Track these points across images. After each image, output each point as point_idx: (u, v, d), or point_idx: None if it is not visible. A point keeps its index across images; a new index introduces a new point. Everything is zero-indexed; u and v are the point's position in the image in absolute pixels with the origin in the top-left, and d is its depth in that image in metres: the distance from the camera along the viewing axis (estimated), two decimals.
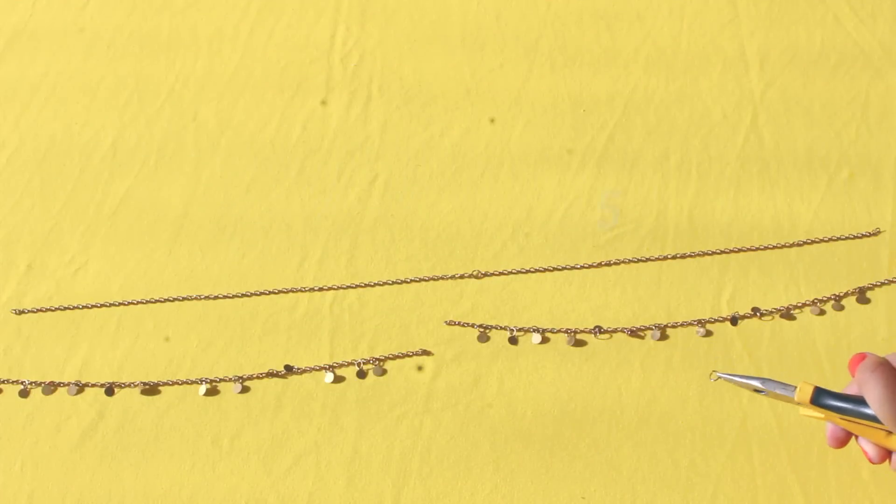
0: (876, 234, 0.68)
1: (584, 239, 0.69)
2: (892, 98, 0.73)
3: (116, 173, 0.75)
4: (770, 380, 0.53)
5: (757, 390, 0.53)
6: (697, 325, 0.65)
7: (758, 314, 0.65)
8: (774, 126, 0.73)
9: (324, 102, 0.77)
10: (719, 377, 0.54)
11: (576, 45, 0.78)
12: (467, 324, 0.66)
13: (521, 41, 0.79)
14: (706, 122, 0.74)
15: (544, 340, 0.66)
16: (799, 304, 0.65)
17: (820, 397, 0.51)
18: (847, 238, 0.68)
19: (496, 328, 0.66)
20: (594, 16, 0.80)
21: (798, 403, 0.52)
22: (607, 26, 0.79)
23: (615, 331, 0.65)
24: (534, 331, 0.66)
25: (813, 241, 0.68)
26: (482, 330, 0.66)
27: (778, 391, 0.52)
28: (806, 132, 0.72)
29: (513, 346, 0.65)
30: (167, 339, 0.67)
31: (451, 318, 0.67)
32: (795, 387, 0.52)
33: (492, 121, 0.75)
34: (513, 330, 0.66)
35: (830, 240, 0.68)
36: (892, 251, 0.67)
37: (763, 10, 0.79)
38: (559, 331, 0.66)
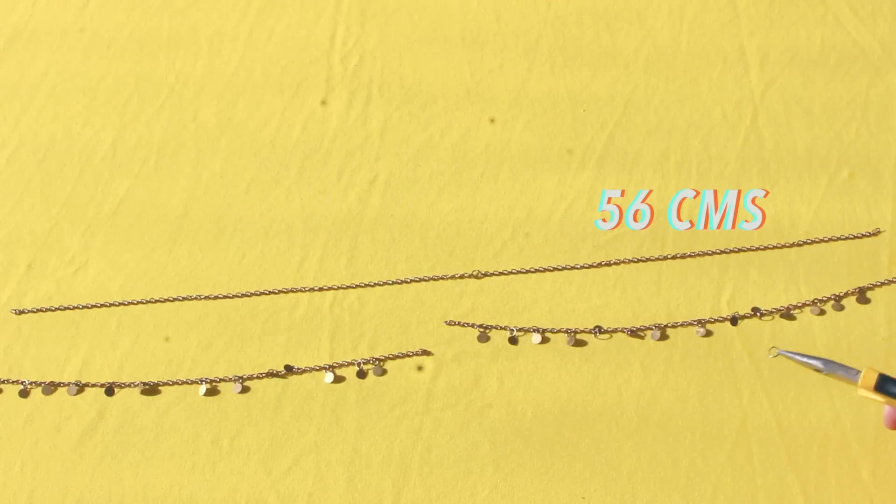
0: (876, 234, 0.68)
1: (583, 239, 0.69)
2: (892, 98, 0.73)
3: (116, 173, 0.75)
4: (833, 362, 0.53)
5: (817, 370, 0.53)
6: (697, 325, 0.65)
7: (758, 314, 0.65)
8: (774, 126, 0.73)
9: (324, 102, 0.77)
10: (779, 353, 0.54)
11: (576, 45, 0.78)
12: (467, 324, 0.66)
13: (521, 41, 0.79)
14: (706, 122, 0.74)
15: (544, 340, 0.66)
16: (799, 304, 0.65)
17: (885, 384, 0.51)
18: (847, 238, 0.68)
19: (496, 328, 0.66)
20: (594, 16, 0.80)
21: (860, 388, 0.52)
22: (607, 26, 0.79)
23: (615, 331, 0.65)
24: (534, 331, 0.66)
25: (813, 241, 0.68)
26: (482, 330, 0.66)
27: (840, 374, 0.52)
28: (806, 132, 0.72)
29: (513, 346, 0.65)
30: (167, 339, 0.67)
31: (451, 318, 0.67)
32: (858, 371, 0.52)
33: (492, 121, 0.75)
34: (513, 330, 0.66)
35: (830, 240, 0.68)
36: (892, 251, 0.67)
37: (763, 10, 0.79)
38: (559, 331, 0.66)
